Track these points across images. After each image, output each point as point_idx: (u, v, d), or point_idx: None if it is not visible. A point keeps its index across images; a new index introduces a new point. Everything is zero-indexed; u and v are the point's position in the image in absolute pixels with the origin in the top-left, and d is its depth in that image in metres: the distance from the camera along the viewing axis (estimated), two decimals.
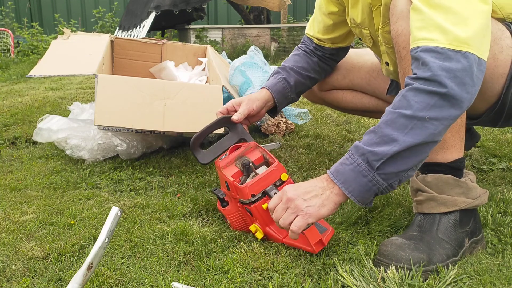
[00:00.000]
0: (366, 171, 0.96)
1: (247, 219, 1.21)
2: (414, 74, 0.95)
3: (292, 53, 1.61)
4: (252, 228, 1.17)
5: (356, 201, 0.99)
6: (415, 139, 0.93)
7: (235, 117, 1.33)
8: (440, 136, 0.95)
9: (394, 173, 0.96)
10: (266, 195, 1.14)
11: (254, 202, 1.14)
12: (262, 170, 1.19)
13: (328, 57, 1.58)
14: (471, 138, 1.68)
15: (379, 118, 1.00)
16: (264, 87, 1.48)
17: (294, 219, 1.00)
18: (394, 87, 1.54)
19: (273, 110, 1.53)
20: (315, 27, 1.56)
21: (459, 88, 0.91)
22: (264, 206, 1.13)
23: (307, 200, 1.00)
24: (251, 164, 1.19)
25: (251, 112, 1.38)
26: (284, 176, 1.16)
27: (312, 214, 1.00)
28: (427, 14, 0.95)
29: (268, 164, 1.21)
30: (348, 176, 0.98)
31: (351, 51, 1.67)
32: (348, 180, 0.98)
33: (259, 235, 1.16)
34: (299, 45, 1.62)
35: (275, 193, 1.12)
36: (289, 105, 2.31)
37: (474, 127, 1.71)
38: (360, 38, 1.45)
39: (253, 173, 1.19)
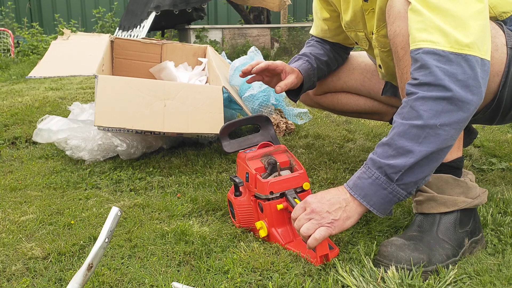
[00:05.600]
0: (385, 184, 0.97)
1: (254, 215, 1.21)
2: (416, 79, 0.95)
3: (305, 46, 1.63)
4: (258, 224, 1.17)
5: (378, 213, 1.00)
6: (430, 147, 0.94)
7: (278, 88, 1.37)
8: (453, 140, 0.96)
9: (413, 182, 0.97)
10: (284, 196, 1.15)
11: (270, 199, 1.15)
12: (285, 173, 1.21)
13: (338, 48, 1.60)
14: (468, 135, 1.68)
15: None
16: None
17: (317, 228, 1.00)
18: (389, 87, 1.54)
19: (296, 92, 1.53)
20: (314, 29, 1.60)
21: (464, 91, 0.92)
22: (279, 206, 1.14)
23: (332, 213, 1.01)
24: (278, 164, 1.21)
25: (291, 86, 1.39)
26: (306, 185, 1.17)
27: (337, 226, 1.00)
28: (427, 16, 0.95)
29: (292, 170, 1.22)
30: (368, 190, 0.99)
31: None
32: (368, 194, 0.99)
33: (263, 233, 1.16)
34: (308, 40, 1.65)
35: (294, 198, 1.13)
36: (289, 105, 2.31)
37: (472, 124, 1.72)
38: (356, 42, 1.45)
39: (276, 173, 1.20)
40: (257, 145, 1.29)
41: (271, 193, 1.14)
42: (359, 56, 1.66)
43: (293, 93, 1.53)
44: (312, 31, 1.62)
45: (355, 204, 1.01)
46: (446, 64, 0.92)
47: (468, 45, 0.92)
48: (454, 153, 1.09)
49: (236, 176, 1.24)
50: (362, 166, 1.02)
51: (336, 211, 1.01)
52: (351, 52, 1.70)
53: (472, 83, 0.92)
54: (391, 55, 1.25)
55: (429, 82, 0.92)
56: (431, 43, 0.94)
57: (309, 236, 1.00)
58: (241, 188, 1.22)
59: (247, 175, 1.20)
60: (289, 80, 1.40)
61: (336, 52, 1.60)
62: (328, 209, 1.01)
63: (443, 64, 0.92)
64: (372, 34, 1.29)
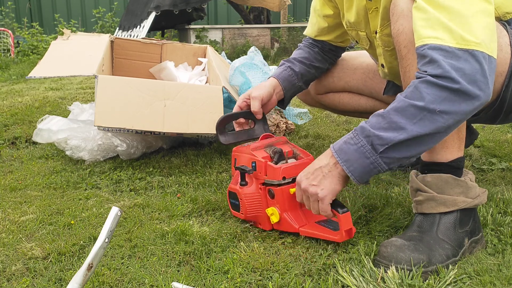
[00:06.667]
0: (369, 153, 0.98)
1: (263, 203, 1.21)
2: (425, 71, 0.95)
3: (294, 51, 1.63)
4: (269, 210, 1.18)
5: (355, 180, 1.02)
6: (423, 129, 0.94)
7: (253, 108, 1.35)
8: (449, 130, 0.97)
9: (396, 158, 0.98)
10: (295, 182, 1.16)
11: (282, 185, 1.17)
12: (291, 161, 1.22)
13: (327, 51, 1.59)
14: (469, 135, 1.68)
15: None
16: (270, 76, 1.49)
17: (318, 204, 1.06)
18: (391, 87, 1.54)
19: (282, 101, 1.53)
20: (310, 28, 1.59)
21: (471, 86, 0.92)
22: (292, 190, 1.16)
23: (318, 185, 1.05)
24: (286, 152, 1.22)
25: (262, 99, 1.38)
26: None
27: (327, 195, 1.05)
28: (432, 13, 0.96)
29: (296, 159, 1.24)
30: (351, 155, 1.01)
31: (345, 54, 1.67)
32: (350, 160, 1.01)
33: (275, 218, 1.17)
34: (299, 44, 1.64)
35: None
36: (289, 105, 2.31)
37: (473, 124, 1.71)
38: (356, 41, 1.45)
39: (283, 161, 1.21)
40: (255, 138, 1.30)
41: (284, 178, 1.17)
42: (360, 56, 1.66)
43: (280, 102, 1.53)
44: (306, 31, 1.61)
45: (336, 168, 1.04)
46: (453, 59, 0.92)
47: (475, 41, 0.93)
48: (455, 153, 1.09)
49: (243, 166, 1.24)
50: (351, 132, 1.03)
51: (321, 181, 1.05)
52: (352, 52, 1.70)
53: (480, 78, 0.92)
54: (394, 54, 1.25)
55: (438, 74, 0.93)
56: (436, 39, 0.94)
57: (319, 212, 1.06)
58: (246, 178, 1.23)
59: (253, 164, 1.21)
60: (254, 98, 1.37)
61: (325, 53, 1.59)
62: (313, 182, 1.06)
63: (449, 59, 0.92)
64: (376, 33, 1.28)
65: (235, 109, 1.39)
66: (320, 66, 1.59)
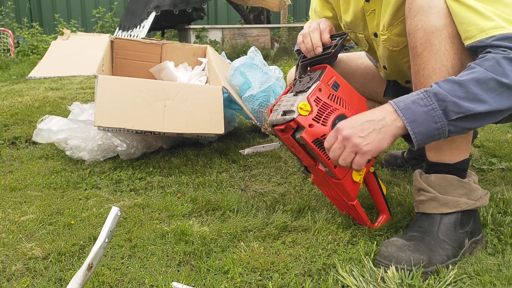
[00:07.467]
0: (439, 118, 0.94)
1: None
2: (504, 50, 0.94)
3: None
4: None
5: (416, 143, 0.96)
6: (501, 105, 0.93)
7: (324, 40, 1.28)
8: None
9: (463, 128, 0.95)
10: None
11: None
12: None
13: None
14: None
15: None
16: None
17: (355, 157, 0.98)
18: (391, 88, 1.54)
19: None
20: None
21: None
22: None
23: (365, 138, 0.97)
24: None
25: (331, 29, 1.34)
26: None
27: (371, 150, 0.97)
28: (476, 6, 0.96)
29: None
30: (418, 117, 0.95)
31: (343, 56, 1.66)
32: (417, 121, 0.95)
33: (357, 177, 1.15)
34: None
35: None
36: None
37: None
38: (356, 43, 1.44)
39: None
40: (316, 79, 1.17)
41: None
42: (358, 58, 1.66)
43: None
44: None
45: (394, 125, 0.96)
46: None
47: None
48: (461, 154, 1.09)
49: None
50: (419, 92, 0.97)
51: (369, 134, 0.97)
52: (349, 54, 1.69)
53: None
54: (402, 54, 1.23)
55: None
56: (501, 29, 0.93)
57: (349, 164, 0.99)
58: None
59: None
60: (324, 30, 1.29)
61: None
62: (360, 134, 0.97)
63: None
64: (375, 35, 1.28)
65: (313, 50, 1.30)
66: None
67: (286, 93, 1.20)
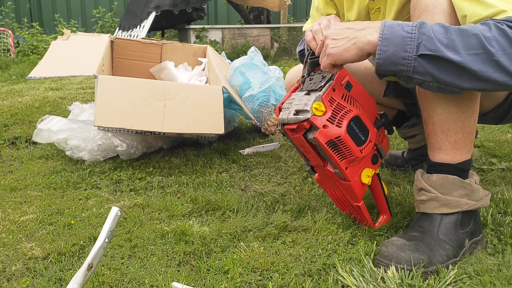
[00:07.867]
0: (410, 48, 0.91)
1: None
2: (505, 20, 0.91)
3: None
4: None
5: (377, 61, 0.94)
6: (473, 64, 0.89)
7: None
8: (488, 84, 0.92)
9: (426, 73, 0.92)
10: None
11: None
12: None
13: None
14: None
15: None
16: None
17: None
18: (392, 89, 1.54)
19: None
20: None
21: None
22: None
23: (337, 40, 0.99)
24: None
25: None
26: None
27: (333, 55, 0.99)
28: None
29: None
30: (394, 38, 0.93)
31: None
32: (390, 39, 0.93)
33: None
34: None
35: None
36: None
37: None
38: None
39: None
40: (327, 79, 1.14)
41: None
42: None
43: None
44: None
45: (365, 39, 0.96)
46: None
47: None
48: (464, 155, 1.09)
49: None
50: (414, 22, 0.95)
51: (340, 40, 0.98)
52: None
53: None
54: None
55: None
56: (502, 13, 0.92)
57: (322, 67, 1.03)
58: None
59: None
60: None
61: None
62: (334, 36, 1.00)
63: None
64: None
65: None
66: None
67: (294, 90, 1.18)
